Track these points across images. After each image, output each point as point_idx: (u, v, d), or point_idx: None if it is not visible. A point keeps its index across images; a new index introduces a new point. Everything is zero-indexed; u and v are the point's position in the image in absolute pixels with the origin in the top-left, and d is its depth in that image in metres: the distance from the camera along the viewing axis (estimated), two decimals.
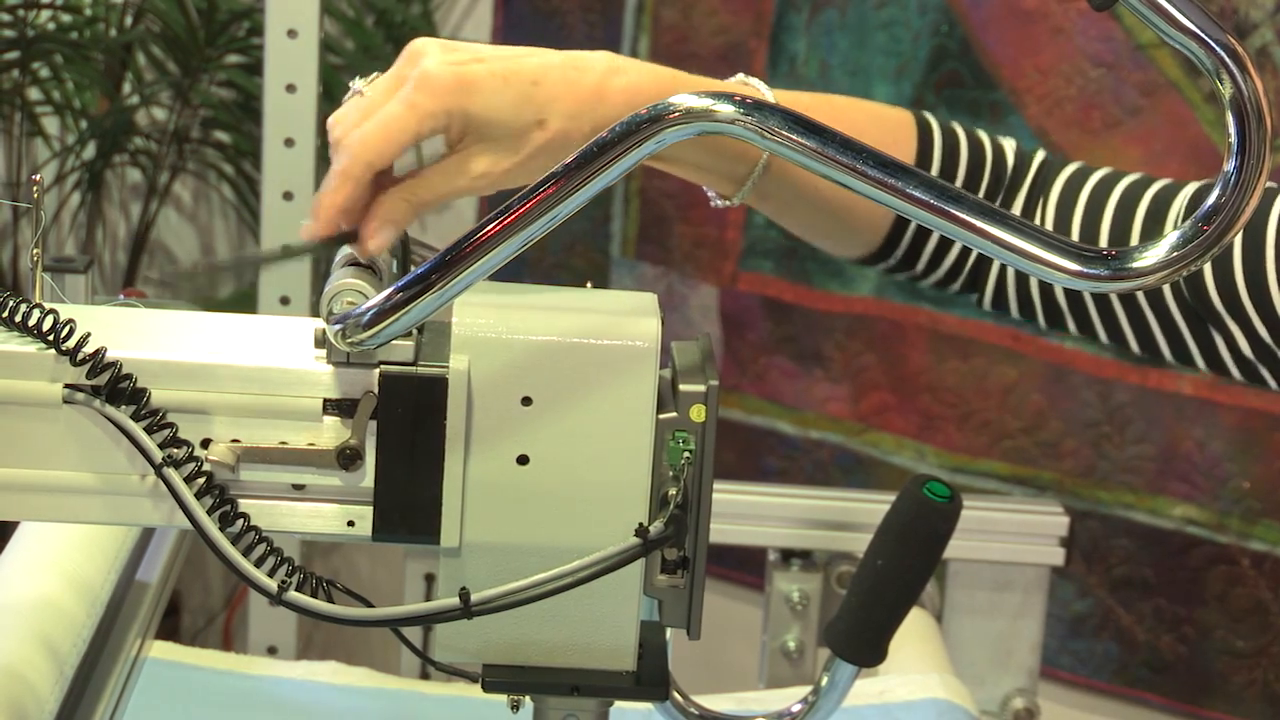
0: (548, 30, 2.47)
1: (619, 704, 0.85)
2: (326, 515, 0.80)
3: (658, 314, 0.80)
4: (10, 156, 2.71)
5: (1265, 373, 1.10)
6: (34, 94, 2.70)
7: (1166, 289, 1.12)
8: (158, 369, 0.78)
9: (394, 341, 0.78)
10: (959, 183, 1.16)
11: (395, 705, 1.29)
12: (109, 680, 1.10)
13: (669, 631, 0.85)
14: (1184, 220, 0.76)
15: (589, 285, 0.84)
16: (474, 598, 0.79)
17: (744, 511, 1.42)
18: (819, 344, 2.25)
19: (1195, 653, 2.08)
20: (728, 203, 1.09)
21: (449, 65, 0.92)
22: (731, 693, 1.33)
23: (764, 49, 2.26)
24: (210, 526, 0.77)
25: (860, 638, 0.89)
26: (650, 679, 0.83)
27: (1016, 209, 1.18)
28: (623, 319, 0.80)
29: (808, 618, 1.41)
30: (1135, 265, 0.74)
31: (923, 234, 1.17)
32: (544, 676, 0.83)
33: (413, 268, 0.82)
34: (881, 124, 1.16)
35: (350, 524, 0.80)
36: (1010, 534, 1.43)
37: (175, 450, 0.77)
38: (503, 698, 0.84)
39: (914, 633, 1.37)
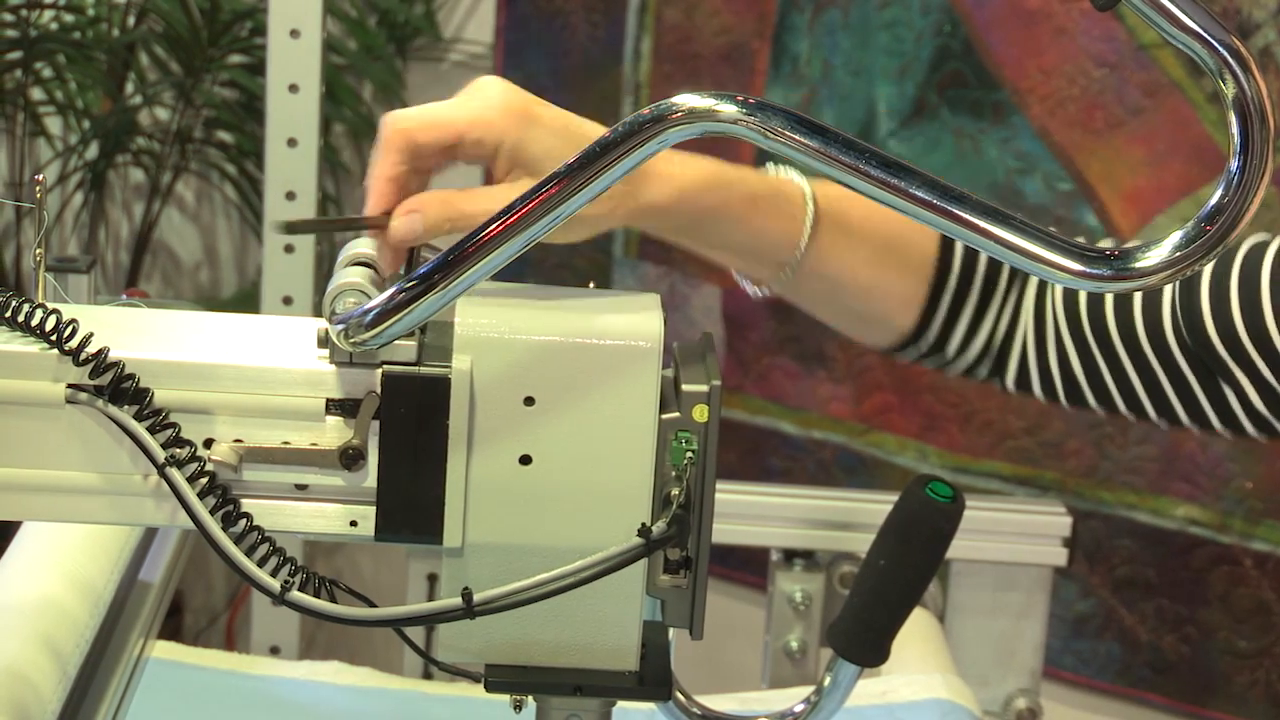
0: (550, 30, 2.47)
1: (622, 704, 0.85)
2: (329, 515, 0.80)
3: (660, 314, 0.80)
4: (13, 156, 2.71)
5: (1278, 424, 1.11)
6: (37, 94, 2.71)
7: (1174, 346, 1.14)
8: (160, 369, 0.78)
9: (397, 341, 0.78)
10: (982, 267, 1.20)
11: (398, 705, 1.29)
12: (111, 680, 1.10)
13: (672, 631, 0.85)
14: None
15: (592, 285, 0.84)
16: (476, 598, 0.79)
17: (746, 512, 1.42)
18: (821, 344, 2.25)
19: (1198, 653, 2.08)
20: (763, 291, 1.12)
21: (519, 93, 0.96)
22: (734, 693, 1.33)
23: (766, 49, 2.26)
24: (213, 526, 0.77)
25: (863, 638, 0.88)
26: (653, 679, 0.83)
27: (1030, 293, 1.21)
28: (625, 319, 0.80)
29: (810, 618, 1.41)
30: (1138, 265, 0.74)
31: (950, 321, 1.20)
32: (547, 676, 0.83)
33: (415, 267, 0.82)
34: (905, 236, 1.18)
35: (353, 524, 0.80)
36: (1013, 534, 1.43)
37: (178, 450, 0.77)
38: (505, 698, 0.84)
39: (916, 633, 1.37)
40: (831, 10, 2.19)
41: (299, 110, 2.00)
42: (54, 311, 0.78)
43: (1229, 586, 2.04)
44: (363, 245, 0.88)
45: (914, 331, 1.20)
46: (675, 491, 0.80)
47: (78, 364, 0.77)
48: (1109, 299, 1.16)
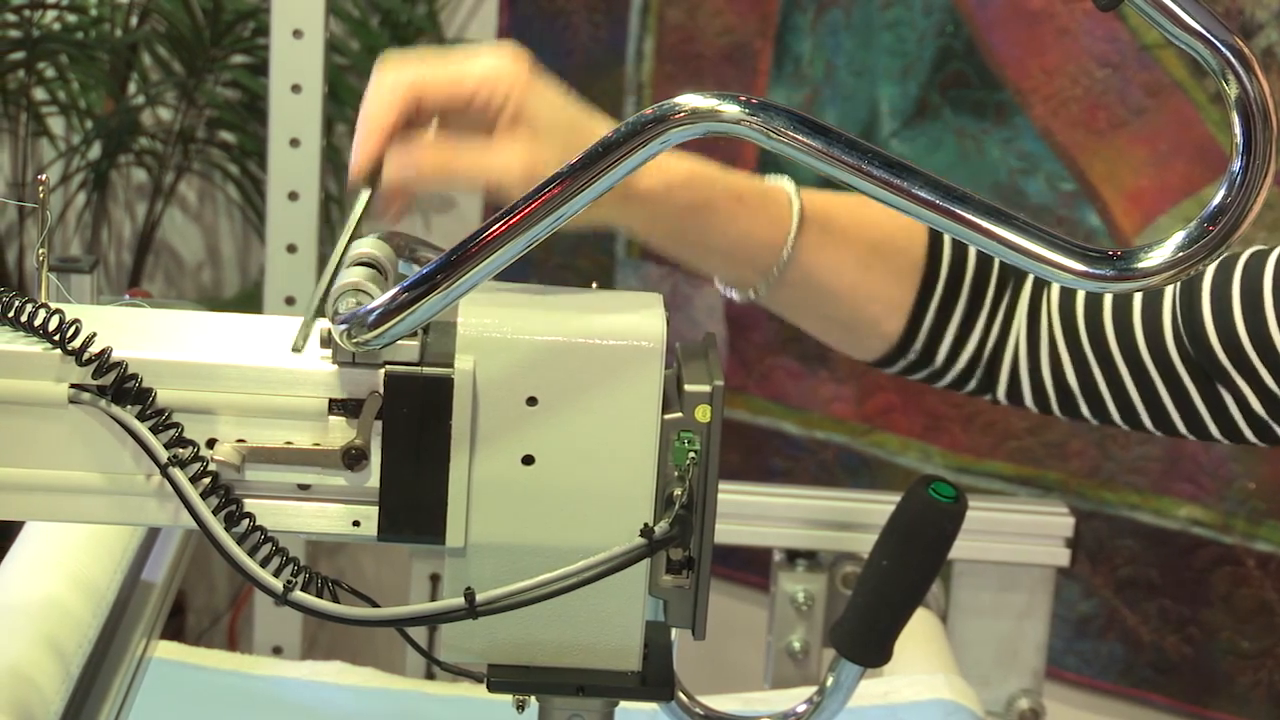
0: (553, 31, 2.47)
1: (624, 704, 0.85)
2: (332, 515, 0.80)
3: (663, 314, 0.80)
4: (16, 156, 2.72)
5: (1278, 430, 1.11)
6: (39, 94, 2.71)
7: (1174, 354, 1.12)
8: (163, 369, 0.78)
9: (399, 341, 0.78)
10: (970, 272, 1.19)
11: (400, 705, 1.29)
12: (114, 680, 1.10)
13: (674, 632, 0.85)
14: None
15: (594, 285, 0.84)
16: (479, 598, 0.79)
17: (749, 512, 1.42)
18: (824, 345, 2.25)
19: (1200, 653, 2.08)
20: (747, 297, 1.12)
21: (523, 53, 0.97)
22: (737, 693, 1.33)
23: (769, 49, 2.26)
24: (215, 526, 0.77)
25: (865, 638, 0.88)
26: (655, 679, 0.83)
27: (1023, 303, 1.20)
28: (628, 319, 0.80)
29: (813, 618, 1.41)
30: (1140, 265, 0.74)
31: (938, 327, 1.18)
32: (549, 677, 0.83)
33: (418, 268, 0.82)
34: (892, 243, 1.17)
35: (356, 524, 0.80)
36: (1015, 534, 1.43)
37: (181, 450, 0.77)
38: (508, 698, 0.84)
39: (919, 633, 1.37)
40: (834, 10, 2.19)
41: (302, 110, 2.00)
42: (57, 311, 0.78)
43: (1232, 587, 2.04)
44: (365, 245, 0.88)
45: (901, 340, 1.18)
46: (678, 492, 0.79)
47: (80, 364, 0.77)
48: (1107, 308, 1.15)
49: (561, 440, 0.79)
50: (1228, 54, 0.71)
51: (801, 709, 0.92)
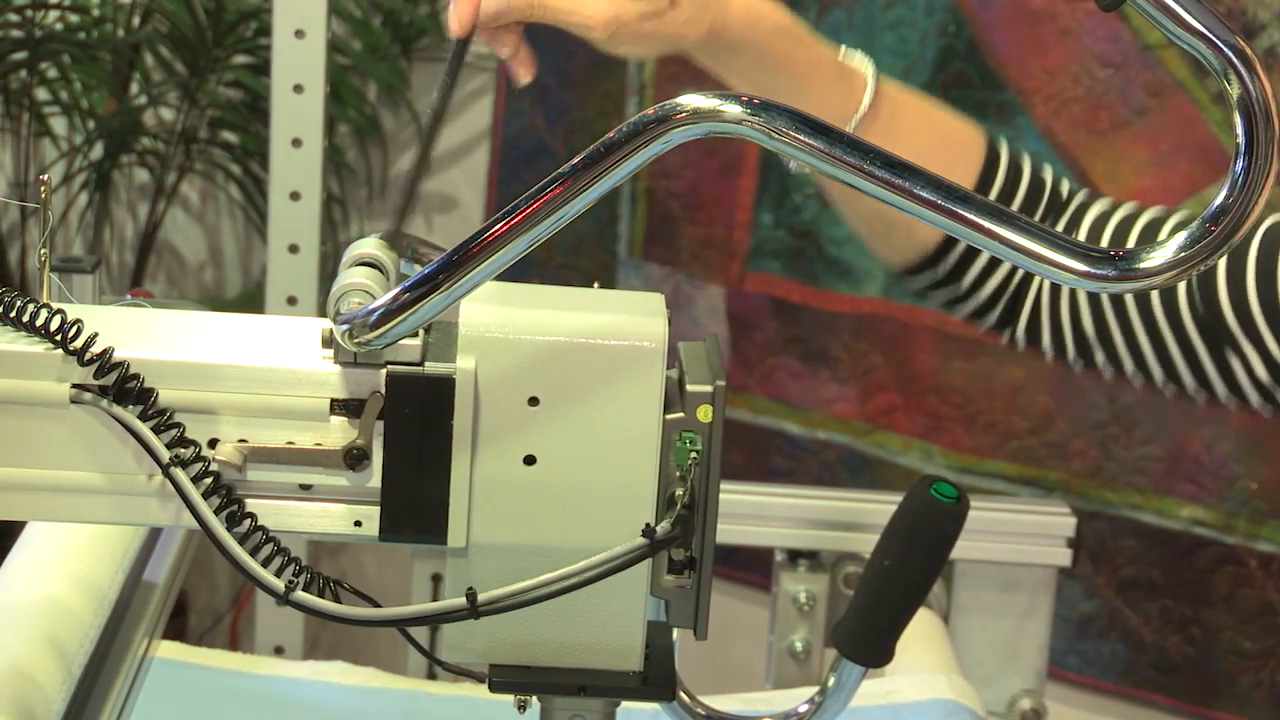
0: (555, 30, 2.46)
1: (625, 704, 0.85)
2: (333, 515, 0.80)
3: (665, 314, 0.80)
4: (18, 156, 2.72)
5: None
6: (42, 94, 2.71)
7: (1186, 313, 1.14)
8: (165, 369, 0.78)
9: (401, 341, 0.78)
10: (1019, 200, 1.20)
11: (402, 705, 1.29)
12: (116, 680, 1.10)
13: (676, 632, 0.85)
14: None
15: (596, 286, 0.84)
16: (481, 598, 0.79)
17: (751, 512, 1.42)
18: (826, 344, 2.25)
19: (1202, 654, 2.08)
20: (802, 170, 1.14)
21: None
22: (738, 693, 1.33)
23: None
24: (217, 526, 0.77)
25: (867, 638, 0.88)
26: (657, 679, 0.83)
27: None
28: (630, 319, 0.80)
29: (814, 618, 1.41)
30: (1143, 265, 0.74)
31: (973, 251, 1.19)
32: (550, 677, 0.83)
33: (419, 268, 0.82)
34: (950, 151, 1.18)
35: (357, 524, 0.80)
36: (1017, 535, 1.43)
37: (182, 450, 0.77)
38: (509, 698, 0.84)
39: (921, 633, 1.37)
40: (836, 10, 2.18)
41: (303, 110, 2.00)
42: (59, 311, 0.78)
43: (1234, 587, 2.04)
44: (367, 245, 0.88)
45: (936, 250, 1.19)
46: (679, 492, 0.80)
47: (82, 364, 0.77)
48: None
49: (563, 440, 0.79)
50: (1230, 54, 0.72)
51: (803, 709, 0.92)
